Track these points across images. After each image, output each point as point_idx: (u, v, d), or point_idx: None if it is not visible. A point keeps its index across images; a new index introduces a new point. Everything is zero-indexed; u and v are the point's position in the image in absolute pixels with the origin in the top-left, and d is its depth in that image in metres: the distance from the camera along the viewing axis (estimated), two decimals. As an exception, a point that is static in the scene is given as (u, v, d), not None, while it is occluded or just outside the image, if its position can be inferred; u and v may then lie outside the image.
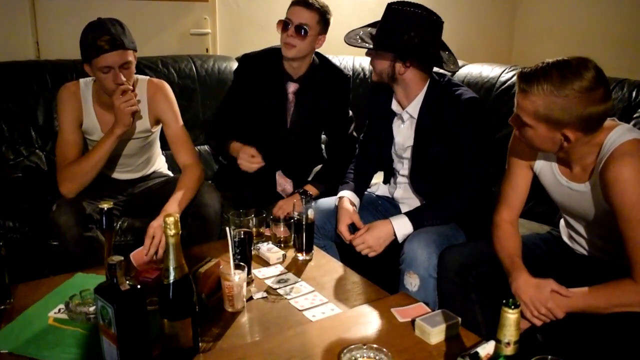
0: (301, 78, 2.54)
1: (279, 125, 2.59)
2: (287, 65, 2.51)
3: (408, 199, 2.33)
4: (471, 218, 2.17)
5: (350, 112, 2.68)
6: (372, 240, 2.11)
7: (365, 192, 2.50)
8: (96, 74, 2.13)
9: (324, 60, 2.60)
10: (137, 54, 2.19)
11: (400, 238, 2.12)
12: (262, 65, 2.56)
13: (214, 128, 2.71)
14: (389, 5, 2.12)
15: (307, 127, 2.62)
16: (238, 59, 3.21)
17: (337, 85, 2.57)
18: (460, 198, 2.13)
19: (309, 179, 2.63)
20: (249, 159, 2.42)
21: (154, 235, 1.99)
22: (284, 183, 2.64)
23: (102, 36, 2.05)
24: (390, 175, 2.42)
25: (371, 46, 2.13)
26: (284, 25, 2.41)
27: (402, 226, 2.11)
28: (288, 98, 2.56)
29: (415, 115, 2.18)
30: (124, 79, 2.12)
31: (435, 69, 2.20)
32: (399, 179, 2.35)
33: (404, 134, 2.26)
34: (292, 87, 2.55)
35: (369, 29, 2.24)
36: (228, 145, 2.53)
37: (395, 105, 2.25)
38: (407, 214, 2.15)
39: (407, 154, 2.26)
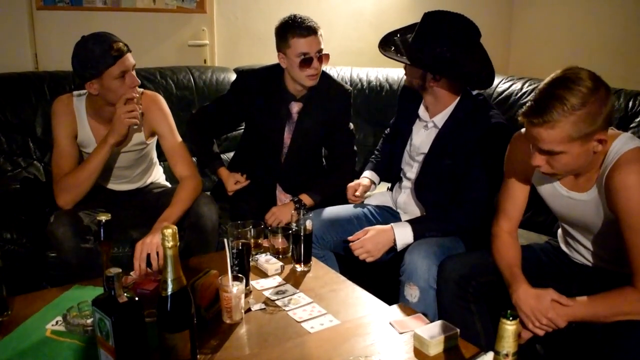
0: (304, 97, 2.53)
1: (281, 144, 2.59)
2: (293, 87, 2.49)
3: (409, 207, 2.34)
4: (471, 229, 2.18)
5: (352, 125, 2.68)
6: (370, 245, 2.11)
7: (365, 202, 2.51)
8: (110, 85, 2.10)
9: (324, 75, 2.57)
10: (137, 66, 2.20)
11: (399, 247, 2.12)
12: (263, 85, 2.54)
13: (196, 128, 2.66)
14: (426, 14, 2.10)
15: (309, 144, 2.62)
16: (236, 72, 3.22)
17: (339, 101, 2.57)
18: (464, 215, 2.13)
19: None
20: (235, 188, 2.51)
21: (140, 253, 2.00)
22: (284, 199, 2.64)
23: (112, 44, 2.06)
24: (396, 180, 2.43)
25: (403, 58, 2.14)
26: (304, 61, 2.36)
27: (403, 235, 2.12)
28: (292, 117, 2.55)
29: (439, 126, 2.19)
30: (134, 81, 2.14)
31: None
32: (405, 183, 2.36)
33: (422, 138, 2.26)
34: (295, 107, 2.54)
35: (407, 35, 2.21)
36: (216, 169, 2.61)
37: (422, 111, 2.26)
38: (410, 222, 2.15)
39: (420, 158, 2.26)
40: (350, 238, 2.17)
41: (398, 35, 2.25)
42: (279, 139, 2.58)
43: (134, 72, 2.15)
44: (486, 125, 2.10)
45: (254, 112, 2.57)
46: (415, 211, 2.33)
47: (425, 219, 2.20)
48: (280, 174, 2.65)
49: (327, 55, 2.42)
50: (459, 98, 2.17)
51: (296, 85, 2.48)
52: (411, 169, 2.32)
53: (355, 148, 2.69)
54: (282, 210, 2.43)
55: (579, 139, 1.54)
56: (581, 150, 1.57)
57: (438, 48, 2.02)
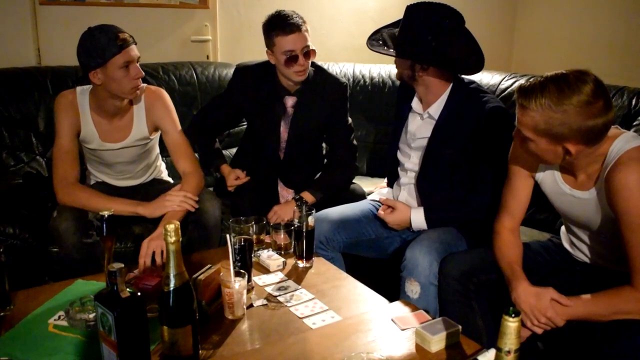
0: (299, 91, 2.54)
1: (279, 138, 2.59)
2: (285, 82, 2.51)
3: (411, 204, 2.33)
4: (473, 225, 2.19)
5: (350, 120, 2.68)
6: (393, 223, 2.21)
7: (368, 199, 2.51)
8: (114, 75, 2.10)
9: (319, 69, 2.59)
10: (140, 57, 2.21)
11: (415, 229, 2.20)
12: (258, 80, 2.56)
13: (196, 130, 2.69)
14: (408, 7, 2.12)
15: (307, 138, 2.62)
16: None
17: (334, 94, 2.57)
18: (474, 204, 2.16)
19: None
20: (235, 183, 2.54)
21: (146, 250, 2.01)
22: (286, 195, 2.65)
23: (117, 34, 2.08)
24: (394, 178, 2.44)
25: (390, 51, 2.16)
26: (290, 59, 2.37)
27: (418, 221, 2.19)
28: (287, 112, 2.56)
29: (436, 117, 2.19)
30: (139, 73, 2.15)
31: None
32: (403, 179, 2.36)
33: (417, 125, 2.27)
34: (290, 101, 2.55)
35: (394, 29, 2.23)
36: (219, 166, 2.64)
37: (415, 103, 2.28)
38: (425, 210, 2.20)
39: (417, 144, 2.27)
40: (381, 210, 2.26)
41: (385, 31, 2.27)
42: (276, 134, 2.58)
43: (138, 65, 2.15)
44: (483, 111, 2.11)
45: (250, 107, 2.59)
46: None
47: (437, 209, 2.22)
48: (280, 169, 2.65)
49: (314, 51, 2.43)
50: (451, 86, 2.18)
51: (288, 80, 2.49)
52: (409, 160, 2.31)
53: (355, 143, 2.68)
54: (284, 209, 2.43)
55: (545, 136, 1.57)
56: (548, 148, 1.60)
57: (423, 37, 2.05)
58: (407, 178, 2.33)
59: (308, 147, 2.66)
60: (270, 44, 2.41)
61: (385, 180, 2.56)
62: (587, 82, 1.52)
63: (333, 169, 2.64)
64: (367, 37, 2.29)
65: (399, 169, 2.39)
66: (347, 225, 2.29)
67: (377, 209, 2.38)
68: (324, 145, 2.79)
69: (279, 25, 2.35)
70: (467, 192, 2.19)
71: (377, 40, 2.24)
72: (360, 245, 2.32)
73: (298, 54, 2.36)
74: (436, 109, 2.20)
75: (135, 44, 2.15)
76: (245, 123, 2.94)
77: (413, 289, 2.01)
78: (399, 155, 2.38)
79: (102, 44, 2.06)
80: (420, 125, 2.27)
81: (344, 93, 2.60)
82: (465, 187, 2.19)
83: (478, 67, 2.14)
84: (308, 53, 2.40)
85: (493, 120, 2.09)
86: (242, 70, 2.68)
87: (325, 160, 2.79)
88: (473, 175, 2.17)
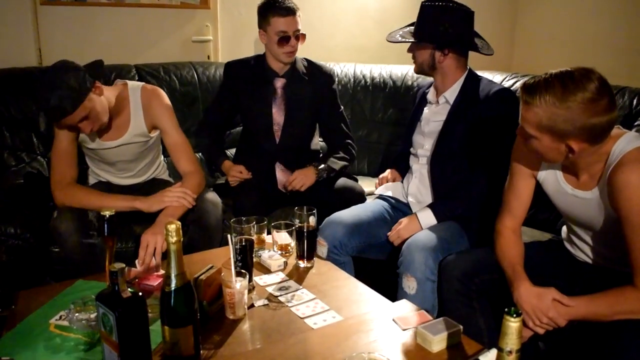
0: (287, 73, 2.68)
1: (271, 121, 2.69)
2: (275, 64, 2.65)
3: (421, 192, 2.36)
4: (473, 222, 2.20)
5: (342, 108, 2.82)
6: (406, 231, 2.22)
7: (377, 192, 2.53)
8: None
9: (309, 61, 2.77)
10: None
11: (425, 227, 2.23)
12: (247, 68, 2.71)
13: (202, 133, 2.85)
14: (423, 3, 2.29)
15: (299, 118, 2.72)
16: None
17: (321, 78, 2.74)
18: (476, 187, 2.20)
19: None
20: (237, 175, 2.61)
21: (147, 245, 2.00)
22: (283, 179, 2.69)
23: (44, 110, 2.01)
24: (406, 169, 2.49)
25: (412, 40, 2.29)
26: (282, 39, 2.54)
27: (426, 217, 2.22)
28: (277, 93, 2.68)
29: (451, 100, 2.28)
30: (85, 131, 2.13)
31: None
32: (414, 166, 2.40)
33: (433, 111, 2.36)
34: (279, 83, 2.69)
35: (407, 28, 2.38)
36: (221, 163, 2.72)
37: (431, 94, 2.38)
38: (430, 206, 2.24)
39: (430, 128, 2.33)
40: (389, 234, 2.27)
41: (400, 32, 2.37)
42: (269, 117, 2.69)
43: (87, 119, 2.09)
44: (493, 93, 2.22)
45: (243, 94, 2.71)
46: (426, 198, 2.35)
47: (442, 202, 2.26)
48: (277, 153, 2.72)
49: (304, 35, 2.59)
50: (465, 74, 2.30)
51: (277, 61, 2.63)
52: (422, 148, 2.37)
53: (350, 134, 2.81)
54: (305, 173, 2.57)
55: (549, 133, 1.57)
56: (551, 145, 1.60)
57: (441, 26, 2.20)
58: (419, 165, 2.38)
59: (302, 130, 2.77)
60: (264, 24, 2.57)
61: (381, 176, 2.62)
62: (592, 79, 1.52)
63: (337, 151, 2.76)
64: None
65: (410, 160, 2.45)
66: (360, 229, 2.29)
67: (388, 210, 2.41)
68: (320, 142, 2.89)
69: (276, 7, 2.52)
70: (465, 182, 2.23)
71: (394, 37, 2.36)
72: (371, 249, 2.33)
73: (290, 35, 2.53)
74: (451, 93, 2.29)
75: (72, 113, 2.03)
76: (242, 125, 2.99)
77: (410, 284, 2.03)
78: (412, 149, 2.44)
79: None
80: (435, 111, 2.35)
81: (330, 78, 2.78)
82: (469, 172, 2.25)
83: (489, 50, 2.33)
84: (298, 37, 2.56)
85: (500, 99, 2.19)
86: (232, 63, 2.80)
87: (321, 155, 2.88)
88: (473, 165, 2.22)
